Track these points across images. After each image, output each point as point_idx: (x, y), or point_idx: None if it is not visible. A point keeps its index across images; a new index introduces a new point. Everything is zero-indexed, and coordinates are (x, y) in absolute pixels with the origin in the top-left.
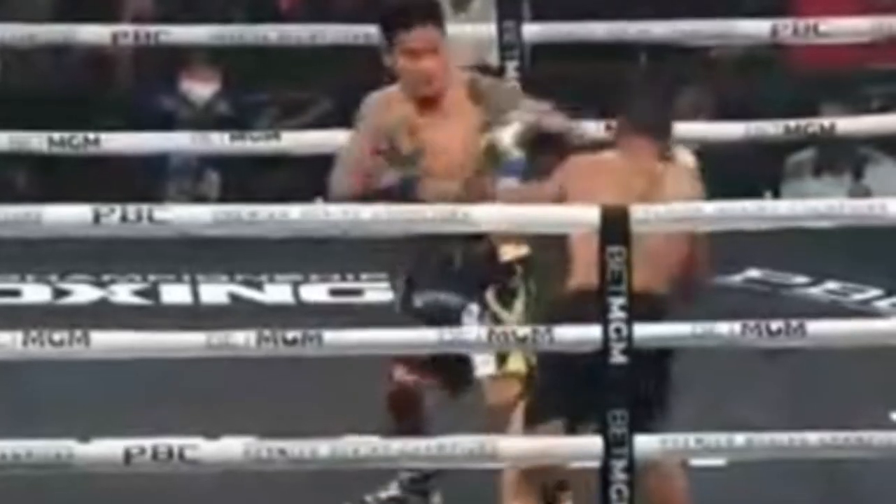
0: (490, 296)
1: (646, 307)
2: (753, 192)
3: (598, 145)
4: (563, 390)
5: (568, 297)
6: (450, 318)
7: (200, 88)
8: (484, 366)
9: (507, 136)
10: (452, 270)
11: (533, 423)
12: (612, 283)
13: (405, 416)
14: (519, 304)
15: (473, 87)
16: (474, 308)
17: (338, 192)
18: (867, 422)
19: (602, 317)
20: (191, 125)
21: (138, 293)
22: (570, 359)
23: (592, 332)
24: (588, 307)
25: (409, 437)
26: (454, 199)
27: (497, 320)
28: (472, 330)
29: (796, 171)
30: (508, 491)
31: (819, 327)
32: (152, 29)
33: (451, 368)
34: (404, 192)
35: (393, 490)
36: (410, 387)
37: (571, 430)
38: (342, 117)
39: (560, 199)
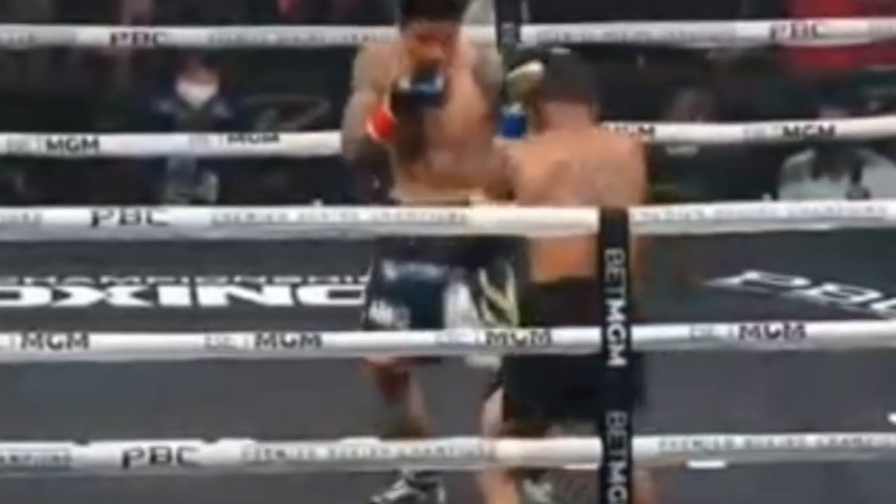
0: (483, 280)
1: (578, 290)
2: (752, 195)
3: None
4: (541, 387)
5: (552, 286)
6: (427, 292)
7: (197, 91)
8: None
9: (529, 73)
10: (429, 239)
11: (510, 418)
12: (610, 286)
13: (396, 395)
14: (510, 285)
15: (477, 68)
16: (462, 289)
17: (351, 139)
18: (866, 424)
19: (601, 319)
20: (188, 127)
21: (137, 295)
22: (549, 356)
23: (591, 334)
24: (580, 298)
25: (405, 429)
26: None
27: (494, 307)
28: (469, 332)
29: (795, 174)
30: (494, 492)
31: (818, 329)
32: (151, 31)
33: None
34: (429, 91)
35: (400, 489)
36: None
37: (545, 427)
38: (341, 119)
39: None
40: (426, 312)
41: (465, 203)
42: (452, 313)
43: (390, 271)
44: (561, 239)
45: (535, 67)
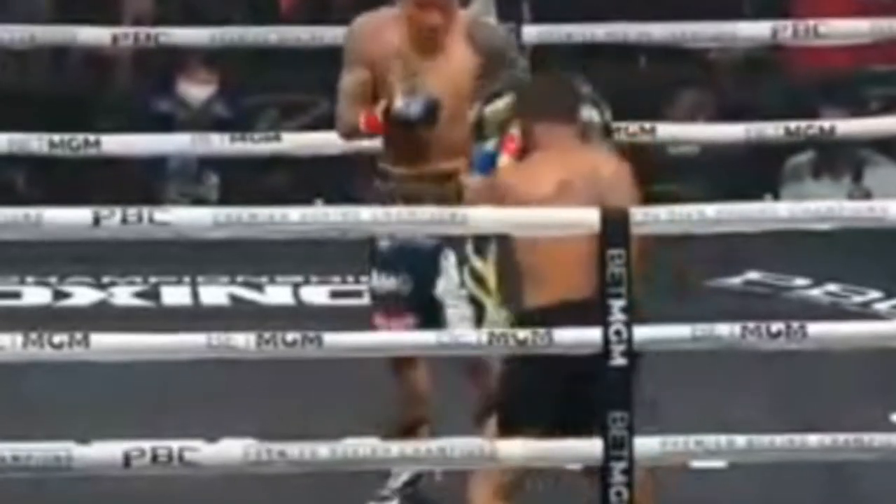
0: (469, 249)
1: (578, 312)
2: (753, 195)
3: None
4: (543, 397)
5: (551, 309)
6: (422, 260)
7: (197, 90)
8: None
9: (499, 110)
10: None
11: (509, 429)
12: (612, 286)
13: (404, 373)
14: (491, 252)
15: (471, 31)
16: (451, 255)
17: (344, 124)
18: (867, 423)
19: (602, 319)
20: (188, 127)
21: (138, 295)
22: (550, 366)
23: (593, 334)
24: (579, 319)
25: (411, 402)
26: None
27: (475, 275)
28: (470, 332)
29: (796, 174)
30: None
31: (819, 329)
32: (152, 31)
33: (425, 312)
34: (418, 117)
35: (402, 476)
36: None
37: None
38: None
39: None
40: (424, 278)
41: (454, 172)
42: (441, 283)
43: (383, 241)
44: (560, 262)
45: (507, 100)
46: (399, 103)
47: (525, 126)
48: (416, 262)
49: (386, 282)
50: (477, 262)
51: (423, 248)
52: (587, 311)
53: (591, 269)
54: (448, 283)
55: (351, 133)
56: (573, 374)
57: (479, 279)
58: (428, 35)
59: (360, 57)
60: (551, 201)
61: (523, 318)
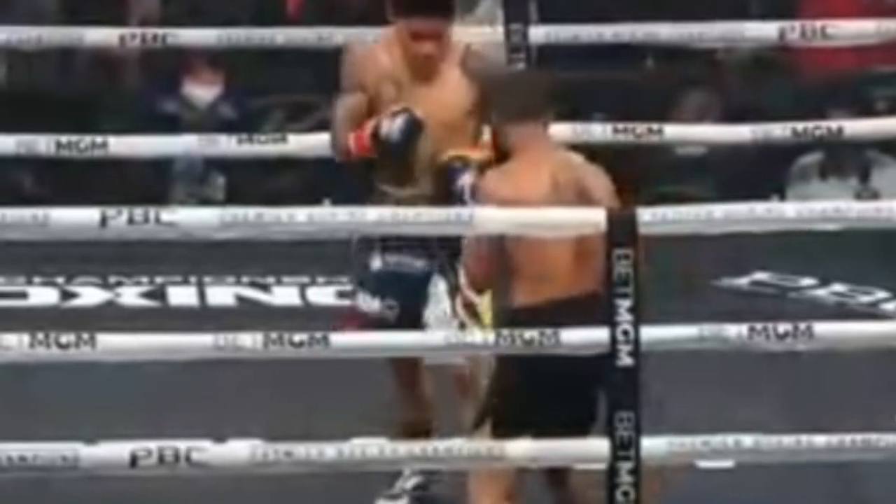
0: (463, 280)
1: (587, 308)
2: (760, 195)
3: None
4: (539, 398)
5: (544, 307)
6: (411, 284)
7: (202, 91)
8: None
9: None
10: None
11: (505, 430)
12: (619, 286)
13: (407, 380)
14: None
15: (466, 62)
16: (441, 283)
17: (337, 147)
18: (874, 424)
19: (609, 319)
20: (194, 128)
21: (145, 295)
22: (547, 366)
23: (600, 334)
24: (575, 316)
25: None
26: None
27: (470, 308)
28: (477, 332)
29: (803, 174)
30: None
31: (827, 329)
32: (160, 31)
33: (402, 328)
34: (398, 138)
35: (413, 477)
36: None
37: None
38: None
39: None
40: (411, 304)
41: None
42: (429, 310)
43: (376, 262)
44: (552, 261)
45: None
46: (384, 123)
47: (499, 127)
48: (404, 287)
49: (371, 304)
50: (470, 292)
51: (411, 274)
52: (579, 310)
53: (584, 268)
54: (436, 310)
55: (343, 155)
56: (570, 374)
57: (471, 310)
58: (423, 62)
59: (354, 82)
60: (548, 202)
61: (512, 316)
